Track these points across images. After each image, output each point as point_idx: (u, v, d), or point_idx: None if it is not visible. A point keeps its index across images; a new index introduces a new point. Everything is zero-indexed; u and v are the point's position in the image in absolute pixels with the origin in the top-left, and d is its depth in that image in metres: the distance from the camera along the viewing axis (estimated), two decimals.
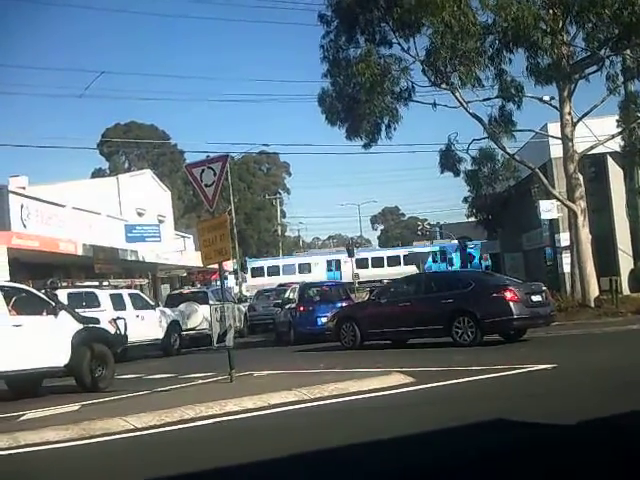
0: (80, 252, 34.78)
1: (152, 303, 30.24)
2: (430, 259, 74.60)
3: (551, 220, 37.94)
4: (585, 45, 28.47)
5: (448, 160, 32.56)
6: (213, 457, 9.12)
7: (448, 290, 22.14)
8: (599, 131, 31.46)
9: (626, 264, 38.24)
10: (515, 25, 25.98)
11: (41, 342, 16.00)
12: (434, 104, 30.12)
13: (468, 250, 73.60)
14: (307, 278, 63.20)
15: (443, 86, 29.30)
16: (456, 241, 79.94)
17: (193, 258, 45.45)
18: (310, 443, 9.38)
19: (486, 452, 8.22)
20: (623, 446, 7.95)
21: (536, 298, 21.61)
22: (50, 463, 9.64)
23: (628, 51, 28.71)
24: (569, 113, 29.47)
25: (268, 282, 65.16)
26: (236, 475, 8.32)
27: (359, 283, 60.31)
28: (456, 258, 75.03)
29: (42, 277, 27.02)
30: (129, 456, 9.80)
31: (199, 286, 48.37)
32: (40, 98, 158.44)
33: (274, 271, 75.45)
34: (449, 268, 70.01)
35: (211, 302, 26.90)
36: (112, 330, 18.63)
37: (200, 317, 31.34)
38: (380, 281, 56.57)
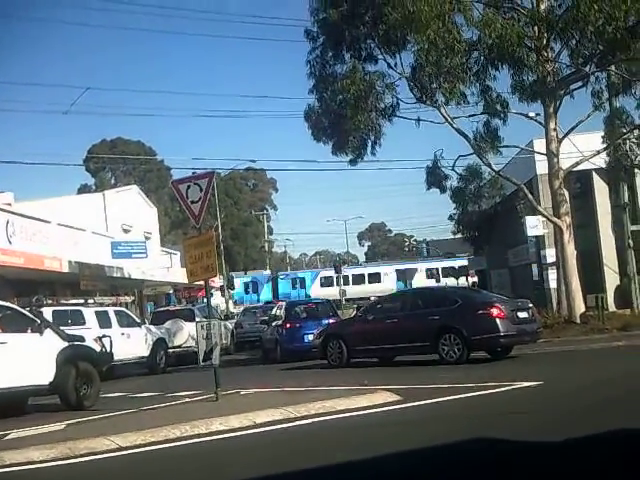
0: (65, 269, 34.66)
1: (138, 320, 30.13)
2: (242, 289, 75.62)
3: (537, 236, 37.96)
4: (570, 61, 28.55)
5: (434, 177, 32.61)
6: (198, 477, 9.07)
7: (435, 307, 22.12)
8: (584, 147, 31.53)
9: (612, 280, 38.25)
10: (500, 42, 26.06)
11: (26, 360, 15.92)
12: (418, 120, 30.19)
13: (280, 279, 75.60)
14: None
15: (428, 102, 29.36)
16: (268, 272, 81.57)
17: (179, 275, 45.34)
18: (292, 462, 9.35)
19: (469, 470, 8.20)
20: (611, 463, 7.93)
21: (522, 315, 21.61)
22: None
23: (613, 67, 28.83)
24: (554, 129, 29.54)
25: None
26: None
27: None
28: (267, 288, 76.01)
29: (27, 294, 26.93)
30: (112, 476, 9.73)
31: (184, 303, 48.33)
32: (27, 114, 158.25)
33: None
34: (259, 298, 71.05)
35: (197, 319, 26.81)
36: (98, 348, 18.58)
37: (186, 334, 31.20)
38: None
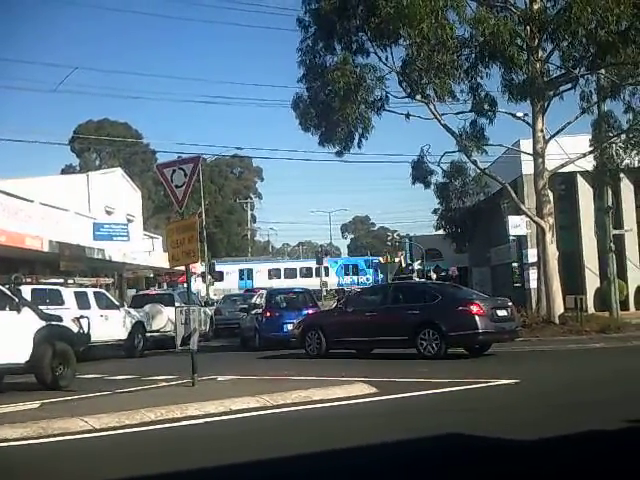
0: (46, 248, 34.48)
1: (117, 303, 29.96)
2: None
3: (519, 236, 38.10)
4: (560, 63, 28.58)
5: (420, 172, 32.57)
6: (168, 461, 9.06)
7: (415, 302, 22.19)
8: (571, 149, 31.65)
9: (592, 282, 38.52)
10: (491, 39, 26.07)
11: (2, 338, 15.82)
12: (407, 115, 30.14)
13: None
14: None
15: (417, 97, 29.33)
16: None
17: (161, 259, 45.19)
18: (261, 451, 9.38)
19: (440, 465, 8.23)
20: (578, 464, 7.97)
21: (502, 313, 21.68)
22: (5, 461, 9.52)
23: (603, 71, 28.87)
24: (542, 130, 29.55)
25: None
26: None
27: None
28: None
29: (6, 272, 26.76)
30: (85, 457, 9.70)
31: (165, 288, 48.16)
32: (13, 91, 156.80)
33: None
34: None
35: (177, 304, 26.72)
36: (75, 329, 18.45)
37: (165, 319, 31.10)
38: None
